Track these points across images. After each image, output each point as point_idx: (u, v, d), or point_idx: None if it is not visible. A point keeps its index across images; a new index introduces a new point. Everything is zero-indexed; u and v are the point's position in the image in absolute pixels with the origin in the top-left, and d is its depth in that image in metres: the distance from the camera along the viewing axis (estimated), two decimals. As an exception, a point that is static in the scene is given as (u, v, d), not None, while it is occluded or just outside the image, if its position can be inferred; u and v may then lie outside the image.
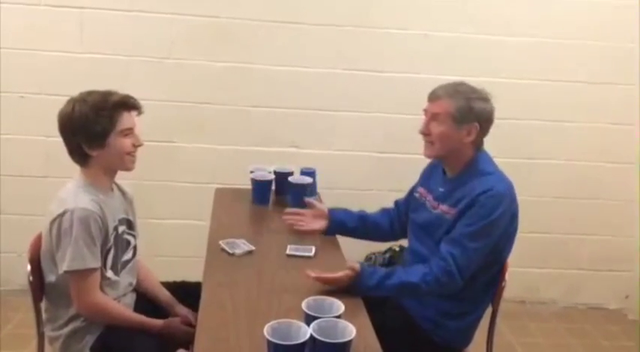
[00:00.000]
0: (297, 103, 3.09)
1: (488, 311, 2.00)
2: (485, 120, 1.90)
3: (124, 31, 2.95)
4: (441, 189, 1.97)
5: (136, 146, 1.82)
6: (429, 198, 2.01)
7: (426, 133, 1.93)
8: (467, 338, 1.99)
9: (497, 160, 3.34)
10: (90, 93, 1.77)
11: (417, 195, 2.11)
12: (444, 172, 2.00)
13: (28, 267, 1.76)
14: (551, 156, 3.26)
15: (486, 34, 3.08)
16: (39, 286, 1.79)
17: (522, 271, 3.16)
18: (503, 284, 1.93)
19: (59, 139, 2.95)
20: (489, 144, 3.13)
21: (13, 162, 3.01)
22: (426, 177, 2.12)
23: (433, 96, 1.92)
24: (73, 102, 1.75)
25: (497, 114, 3.10)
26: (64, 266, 1.67)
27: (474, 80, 3.02)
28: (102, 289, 1.77)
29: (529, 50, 3.11)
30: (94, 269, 1.71)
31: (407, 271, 1.85)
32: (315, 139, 3.15)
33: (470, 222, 1.80)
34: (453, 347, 1.97)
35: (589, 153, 3.26)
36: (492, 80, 3.10)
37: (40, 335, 1.83)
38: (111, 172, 1.84)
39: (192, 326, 1.88)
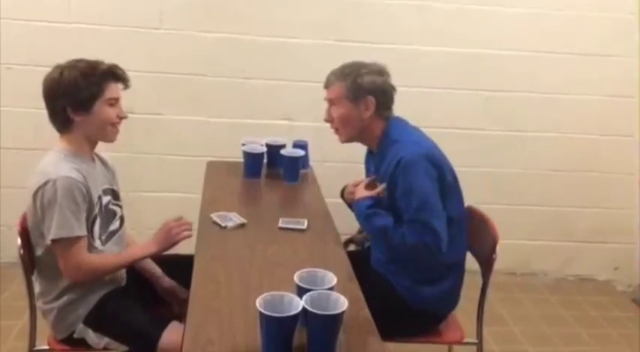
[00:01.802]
0: (290, 75, 3.06)
1: (479, 282, 2.01)
2: (379, 92, 1.94)
3: (113, 1, 2.89)
4: (372, 169, 2.02)
5: (120, 117, 1.81)
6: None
7: (329, 120, 2.01)
8: (445, 304, 1.99)
9: (491, 132, 3.33)
10: (78, 60, 1.77)
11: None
12: (370, 152, 2.05)
13: (19, 241, 1.75)
14: (548, 129, 3.25)
15: (482, 5, 3.04)
16: (30, 259, 1.78)
17: (514, 243, 3.18)
18: (493, 256, 1.94)
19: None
20: (487, 116, 3.14)
21: (2, 135, 2.98)
22: (366, 163, 2.16)
23: (326, 84, 2.00)
24: (61, 68, 1.75)
25: (493, 86, 3.14)
26: (50, 236, 1.66)
27: (469, 51, 3.04)
28: None
29: (526, 21, 3.08)
30: (79, 238, 1.69)
31: (395, 226, 1.86)
32: (307, 111, 3.11)
33: (406, 200, 1.82)
34: (431, 312, 1.97)
35: (587, 126, 3.25)
36: (488, 52, 3.10)
37: (32, 308, 1.82)
38: (92, 142, 1.83)
39: (179, 299, 1.89)
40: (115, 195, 1.92)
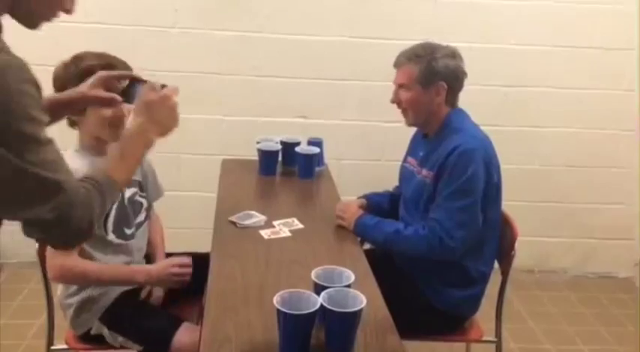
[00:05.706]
0: (305, 73, 3.05)
1: (497, 280, 1.99)
2: (452, 78, 1.88)
3: (128, 0, 2.90)
4: (421, 153, 1.98)
5: (118, 117, 1.68)
6: (415, 163, 2.01)
7: (396, 102, 1.94)
8: (469, 308, 1.97)
9: (507, 128, 3.29)
10: (77, 55, 1.72)
11: (407, 165, 2.10)
12: (424, 135, 2.01)
13: (36, 239, 1.76)
14: (565, 124, 3.21)
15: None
16: (45, 258, 1.78)
17: (532, 240, 3.14)
18: (512, 253, 1.92)
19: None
20: (501, 112, 3.10)
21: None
22: (413, 145, 2.12)
23: (397, 64, 1.91)
24: (71, 61, 1.71)
25: (507, 82, 3.10)
26: None
27: (484, 46, 3.01)
28: (106, 255, 1.77)
29: (541, 15, 3.04)
30: None
31: (405, 225, 1.89)
32: (323, 109, 3.11)
33: (446, 184, 1.81)
34: (456, 315, 1.96)
35: (605, 121, 3.20)
36: (503, 46, 3.06)
37: (50, 306, 1.84)
38: (101, 139, 1.76)
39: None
40: (141, 186, 1.91)
